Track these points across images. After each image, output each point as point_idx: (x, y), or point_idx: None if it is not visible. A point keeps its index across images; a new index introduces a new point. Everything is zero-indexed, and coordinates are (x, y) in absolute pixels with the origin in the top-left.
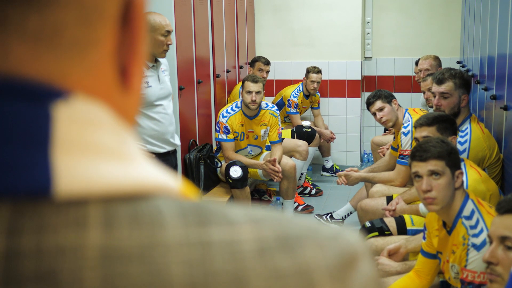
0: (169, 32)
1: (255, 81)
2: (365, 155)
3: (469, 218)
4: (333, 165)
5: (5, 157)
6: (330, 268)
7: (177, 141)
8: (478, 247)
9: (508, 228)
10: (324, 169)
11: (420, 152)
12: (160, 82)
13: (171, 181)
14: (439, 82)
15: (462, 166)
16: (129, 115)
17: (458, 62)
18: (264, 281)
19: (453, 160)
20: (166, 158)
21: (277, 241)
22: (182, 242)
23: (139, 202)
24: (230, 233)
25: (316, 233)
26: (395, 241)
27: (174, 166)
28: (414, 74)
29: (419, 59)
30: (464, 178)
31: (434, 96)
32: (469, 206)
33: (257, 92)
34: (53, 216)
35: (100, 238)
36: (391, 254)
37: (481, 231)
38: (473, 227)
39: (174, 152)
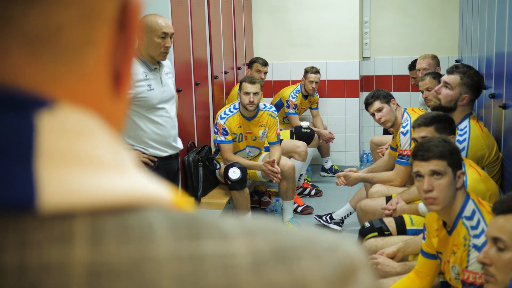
0: (166, 34)
1: (252, 82)
2: (364, 155)
3: (470, 218)
4: (332, 166)
5: None
6: (328, 281)
7: (179, 144)
8: (479, 248)
9: (499, 229)
10: (324, 169)
11: (422, 151)
12: (163, 85)
13: (162, 192)
14: (449, 72)
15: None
16: (117, 121)
17: (457, 61)
18: None
19: (455, 160)
20: (168, 162)
21: (272, 253)
22: (173, 256)
23: (128, 214)
24: (223, 246)
25: (313, 244)
26: (394, 241)
27: (176, 170)
28: None
29: (412, 63)
30: (464, 178)
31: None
32: (470, 206)
33: (255, 93)
34: (37, 231)
35: (86, 253)
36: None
37: (482, 231)
38: (474, 227)
39: (176, 155)
